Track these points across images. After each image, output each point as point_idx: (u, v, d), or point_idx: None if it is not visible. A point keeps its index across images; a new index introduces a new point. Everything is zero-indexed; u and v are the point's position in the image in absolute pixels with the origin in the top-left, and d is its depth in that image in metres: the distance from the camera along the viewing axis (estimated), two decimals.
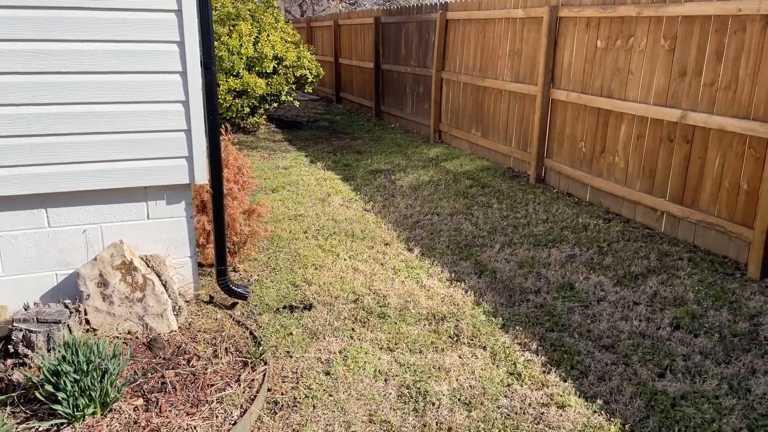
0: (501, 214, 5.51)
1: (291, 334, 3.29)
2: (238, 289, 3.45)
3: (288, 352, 3.12)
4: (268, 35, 9.14)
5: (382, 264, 4.29)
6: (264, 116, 9.53)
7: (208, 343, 3.01)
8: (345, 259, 4.34)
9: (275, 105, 9.62)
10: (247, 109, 9.04)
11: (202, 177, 3.21)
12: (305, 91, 10.03)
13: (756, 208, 4.31)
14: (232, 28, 8.80)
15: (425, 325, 3.42)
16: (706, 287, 3.99)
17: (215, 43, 8.50)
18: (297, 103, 10.12)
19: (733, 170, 4.55)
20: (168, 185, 3.19)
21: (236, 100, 8.93)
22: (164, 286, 3.13)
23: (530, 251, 4.62)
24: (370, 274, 4.09)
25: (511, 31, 7.34)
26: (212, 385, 2.65)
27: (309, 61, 9.62)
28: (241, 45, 8.71)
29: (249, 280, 3.96)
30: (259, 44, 8.96)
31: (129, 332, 3.05)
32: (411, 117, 10.41)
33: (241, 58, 8.78)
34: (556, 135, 6.62)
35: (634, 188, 5.49)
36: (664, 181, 5.18)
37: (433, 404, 2.70)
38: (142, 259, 3.15)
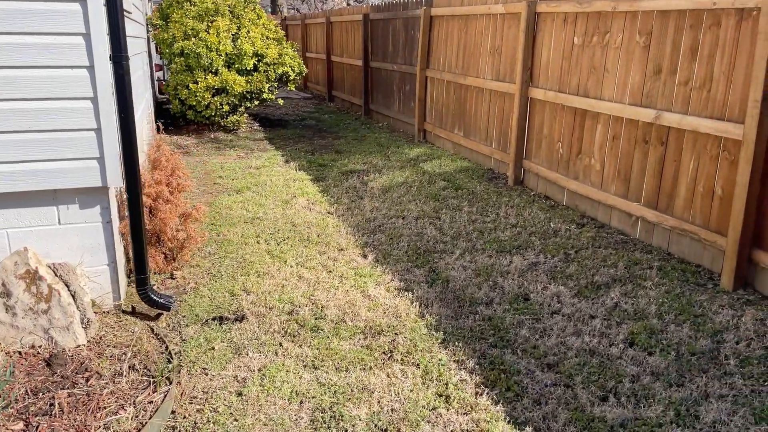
0: (469, 218, 5.27)
1: (213, 348, 3.07)
2: (161, 300, 3.24)
3: (205, 369, 2.90)
4: (248, 31, 8.93)
5: (330, 271, 4.07)
6: (245, 114, 9.32)
7: (115, 359, 2.80)
8: (292, 266, 4.12)
9: (256, 103, 9.41)
10: (226, 107, 8.84)
11: (116, 179, 3.00)
12: (288, 89, 9.82)
13: (730, 215, 4.04)
14: (210, 24, 8.60)
15: (360, 339, 3.19)
16: (671, 299, 3.73)
17: (192, 39, 8.31)
18: (281, 101, 9.91)
19: (707, 174, 4.28)
20: (79, 188, 2.98)
21: (215, 98, 8.73)
22: (73, 296, 2.92)
23: (491, 258, 4.37)
24: (314, 283, 3.87)
25: (492, 27, 7.08)
26: (105, 408, 2.44)
27: (291, 59, 9.41)
28: (219, 41, 8.51)
29: (185, 289, 3.75)
30: (239, 41, 8.75)
31: (33, 346, 2.84)
32: (398, 116, 10.17)
33: (220, 55, 8.58)
34: (534, 135, 6.36)
35: (610, 192, 5.23)
36: (639, 185, 4.91)
37: (346, 431, 2.47)
38: (49, 267, 2.95)
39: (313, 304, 3.57)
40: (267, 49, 9.06)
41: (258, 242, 4.56)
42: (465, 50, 7.76)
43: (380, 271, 4.10)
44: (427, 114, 9.06)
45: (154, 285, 3.73)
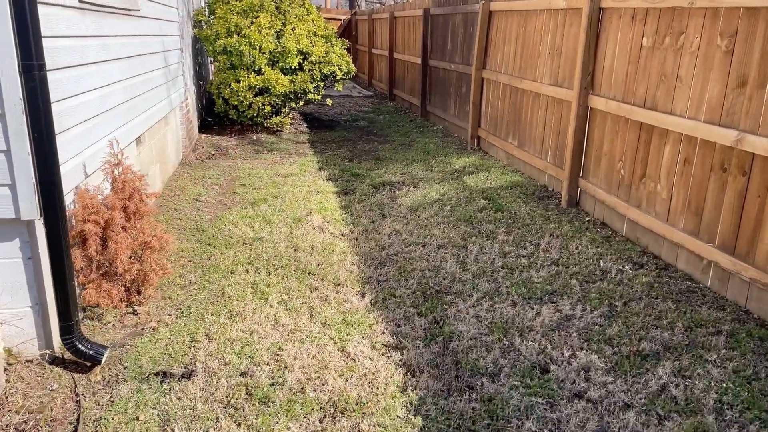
0: (501, 250, 4.50)
1: (137, 419, 2.54)
2: (90, 350, 2.75)
3: None
4: (294, 28, 8.46)
5: (313, 315, 3.45)
6: (290, 115, 8.88)
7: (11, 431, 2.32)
8: (272, 306, 3.54)
9: (301, 104, 8.95)
10: (268, 108, 8.42)
11: (31, 211, 2.52)
12: (335, 89, 9.28)
13: None
14: (254, 20, 8.20)
15: (315, 421, 2.56)
16: (740, 384, 2.84)
17: (235, 36, 7.94)
18: (330, 102, 9.40)
19: None
20: None
21: (257, 98, 8.33)
22: None
23: (515, 307, 3.61)
24: (289, 331, 3.27)
25: (553, 24, 6.20)
26: None
27: (339, 57, 8.85)
28: (262, 39, 8.08)
29: (143, 328, 3.26)
30: (283, 38, 8.30)
31: None
32: (453, 120, 9.41)
33: (263, 53, 8.16)
34: (593, 151, 5.46)
35: (677, 226, 4.30)
36: (714, 222, 3.97)
37: None
38: None
39: (276, 362, 2.97)
40: (313, 46, 8.55)
41: (247, 271, 4.01)
42: (523, 50, 6.90)
43: (374, 318, 3.45)
44: (481, 119, 8.25)
45: (110, 322, 3.26)
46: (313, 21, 8.92)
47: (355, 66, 19.33)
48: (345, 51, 9.15)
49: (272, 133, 8.92)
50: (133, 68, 4.47)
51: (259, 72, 8.30)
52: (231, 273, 3.97)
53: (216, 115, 9.28)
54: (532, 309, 3.60)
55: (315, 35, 8.80)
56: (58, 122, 2.83)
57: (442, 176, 6.65)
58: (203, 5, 9.15)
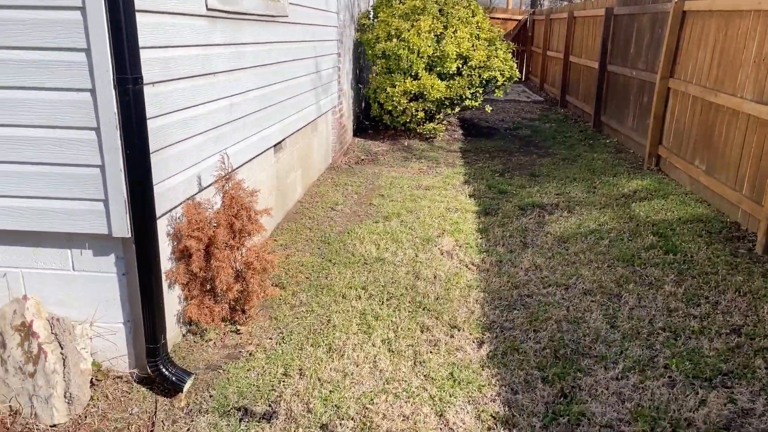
0: (666, 305, 3.67)
1: None
2: (173, 376, 2.62)
3: None
4: (455, 31, 8.04)
5: (416, 363, 3.03)
6: (444, 122, 8.50)
7: None
8: (374, 344, 3.18)
9: (456, 110, 8.51)
10: (421, 114, 8.12)
11: (122, 229, 2.43)
12: (495, 95, 8.70)
13: None
14: (415, 23, 7.93)
15: None
16: None
17: (394, 40, 7.76)
18: (489, 109, 8.84)
19: None
20: (89, 233, 2.49)
21: (411, 104, 8.07)
22: (63, 361, 2.45)
23: (672, 388, 2.85)
24: (386, 380, 2.88)
25: (761, 28, 5.04)
26: None
27: (502, 62, 8.25)
28: (420, 43, 7.79)
29: (241, 352, 3.10)
30: (443, 41, 7.93)
31: (16, 412, 2.45)
32: (629, 133, 8.32)
33: (421, 57, 7.87)
34: None
35: None
36: None
37: None
38: (48, 321, 2.52)
39: (361, 418, 2.60)
40: (474, 50, 8.06)
41: (359, 296, 3.71)
42: (720, 58, 5.75)
43: (487, 377, 2.92)
44: (663, 135, 7.13)
45: (212, 340, 3.15)
46: (477, 23, 8.43)
47: (527, 68, 18.44)
48: (509, 55, 8.52)
49: (424, 139, 8.61)
50: (273, 75, 4.40)
51: (415, 77, 8.03)
52: (343, 297, 3.69)
53: (372, 119, 9.22)
54: (696, 394, 2.81)
55: (477, 38, 8.30)
56: (167, 135, 2.74)
57: (606, 201, 5.79)
58: (369, 8, 9.12)
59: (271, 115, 4.41)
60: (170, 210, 2.86)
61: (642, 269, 4.20)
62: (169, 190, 2.79)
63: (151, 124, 2.57)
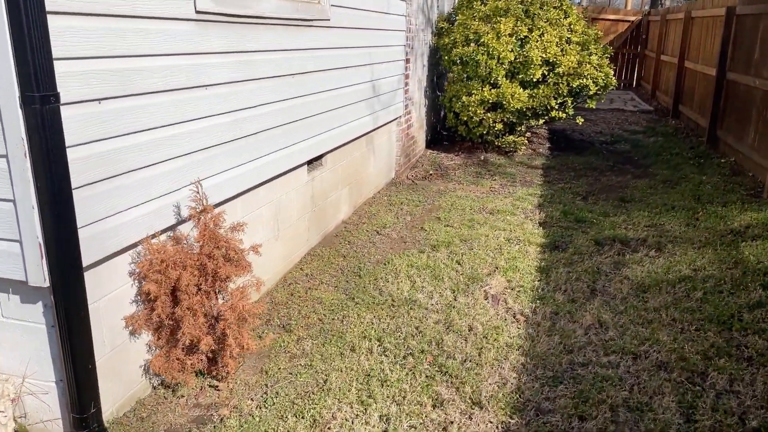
0: (766, 392, 2.77)
1: None
2: None
3: None
4: (542, 34, 7.20)
5: None
6: (526, 135, 7.67)
7: None
8: (368, 423, 2.58)
9: (541, 122, 7.65)
10: (499, 126, 7.36)
11: (38, 276, 2.02)
12: (587, 106, 7.72)
13: None
14: (495, 26, 7.20)
15: None
16: None
17: (472, 45, 7.08)
18: (580, 120, 7.89)
19: None
20: (8, 279, 2.12)
21: (488, 114, 7.34)
22: None
23: None
24: None
25: None
26: None
27: (596, 68, 7.29)
28: (501, 47, 7.05)
29: (213, 415, 2.63)
30: (527, 46, 7.12)
31: None
32: (749, 153, 7.05)
33: (501, 63, 7.12)
34: None
35: None
36: None
37: None
38: None
39: None
40: (562, 55, 7.18)
41: (370, 351, 3.12)
42: None
43: None
44: None
45: (184, 397, 2.72)
46: (569, 25, 7.52)
47: (639, 74, 16.82)
48: (606, 60, 7.52)
49: (503, 153, 7.82)
50: (303, 86, 3.93)
51: (494, 85, 7.29)
52: (352, 350, 3.13)
53: (448, 130, 8.56)
54: None
55: (568, 42, 7.39)
56: (123, 160, 2.32)
57: (708, 238, 4.77)
58: (450, 11, 8.47)
59: (301, 129, 3.95)
60: (129, 247, 2.45)
61: (741, 337, 3.27)
62: (126, 225, 2.38)
63: (98, 148, 2.17)
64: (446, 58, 7.51)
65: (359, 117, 5.13)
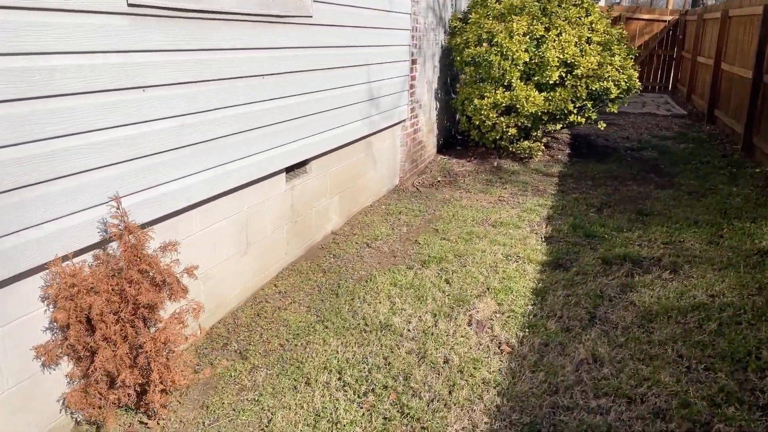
0: None
1: None
2: None
3: None
4: (560, 33, 6.76)
5: None
6: (542, 140, 7.24)
7: None
8: None
9: (558, 126, 7.20)
10: (513, 131, 6.95)
11: None
12: (608, 110, 7.23)
13: None
14: (509, 24, 6.79)
15: None
16: None
17: (484, 45, 6.70)
18: (602, 125, 7.41)
19: None
20: None
21: (501, 119, 6.94)
22: None
23: None
24: None
25: None
26: None
27: (618, 70, 6.81)
28: (515, 47, 6.64)
29: None
30: (544, 46, 6.70)
31: None
32: None
33: (516, 65, 6.72)
34: None
35: None
36: None
37: None
38: None
39: None
40: (581, 56, 6.72)
41: (327, 386, 2.79)
42: None
43: None
44: None
45: None
46: (590, 24, 7.05)
47: (675, 76, 16.04)
48: (630, 61, 7.03)
49: (518, 160, 7.39)
50: (279, 88, 3.64)
51: (508, 87, 6.88)
52: (306, 383, 2.81)
53: (462, 134, 8.17)
54: None
55: (589, 42, 6.93)
56: (22, 173, 2.06)
57: (731, 258, 4.30)
58: (465, 9, 8.08)
59: (275, 134, 3.65)
60: (40, 268, 2.18)
61: (758, 379, 2.83)
62: (36, 242, 2.11)
63: (7, 155, 1.92)
64: (458, 58, 7.14)
65: (352, 121, 4.81)
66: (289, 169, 4.04)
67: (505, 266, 4.16)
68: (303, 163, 4.27)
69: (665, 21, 16.07)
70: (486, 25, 6.86)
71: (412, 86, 6.32)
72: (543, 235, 4.84)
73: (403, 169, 6.40)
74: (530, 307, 3.58)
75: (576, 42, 6.75)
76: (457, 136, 8.43)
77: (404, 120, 6.22)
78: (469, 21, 7.18)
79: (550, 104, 6.77)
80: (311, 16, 3.93)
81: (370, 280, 3.92)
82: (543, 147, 7.33)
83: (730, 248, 4.52)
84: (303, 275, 4.01)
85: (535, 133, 7.18)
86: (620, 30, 7.39)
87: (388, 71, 5.50)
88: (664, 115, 11.83)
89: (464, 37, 7.05)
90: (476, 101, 6.95)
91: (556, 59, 6.60)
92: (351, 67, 4.65)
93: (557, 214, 5.39)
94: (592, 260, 4.27)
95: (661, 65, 16.30)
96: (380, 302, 3.60)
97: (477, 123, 7.15)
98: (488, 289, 3.80)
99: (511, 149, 7.31)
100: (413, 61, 6.26)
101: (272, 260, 3.91)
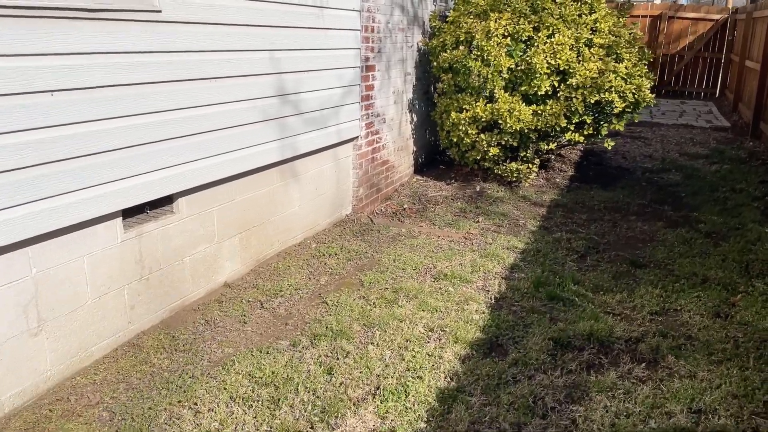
0: None
1: None
2: None
3: None
4: (552, 34, 5.60)
5: None
6: (534, 162, 6.07)
7: None
8: None
9: (552, 146, 6.02)
10: (494, 150, 5.82)
11: None
12: (612, 128, 5.99)
13: None
14: (487, 23, 5.67)
15: None
16: None
17: (460, 48, 5.63)
18: (609, 144, 6.17)
19: None
20: None
21: (482, 136, 5.83)
22: None
23: None
24: None
25: None
26: None
27: (624, 80, 5.59)
28: (494, 51, 5.52)
29: None
30: (531, 50, 5.55)
31: None
32: None
33: (499, 71, 5.60)
34: None
35: None
36: None
37: None
38: None
39: None
40: (578, 62, 5.54)
41: None
42: None
43: None
44: None
45: None
46: (594, 23, 5.84)
47: (723, 82, 14.35)
48: (643, 68, 5.79)
49: (506, 183, 6.25)
50: (104, 106, 2.70)
51: (491, 98, 5.76)
52: None
53: (444, 152, 7.07)
54: None
55: (590, 45, 5.73)
56: None
57: (739, 342, 3.10)
58: (451, 6, 6.96)
59: (100, 167, 2.72)
60: None
61: None
62: None
63: None
64: (435, 64, 6.06)
65: (254, 144, 3.83)
66: (132, 211, 3.09)
67: (420, 348, 3.09)
68: (166, 200, 3.31)
69: (713, 20, 14.44)
70: (465, 25, 5.77)
71: (368, 97, 5.29)
72: (494, 295, 3.74)
73: (357, 195, 5.38)
74: (422, 425, 2.51)
75: (573, 45, 5.57)
76: (437, 155, 7.31)
77: (355, 138, 5.20)
78: (448, 19, 6.10)
79: (539, 119, 5.60)
80: (159, 11, 2.97)
81: (226, 366, 2.92)
82: (537, 168, 6.16)
83: (741, 326, 3.32)
84: (141, 356, 3.04)
85: (524, 153, 6.02)
86: (632, 30, 6.14)
87: (322, 81, 4.49)
88: (703, 127, 10.37)
89: (441, 39, 5.97)
90: (453, 115, 5.87)
91: (545, 65, 5.44)
92: (245, 77, 3.67)
93: (525, 263, 4.26)
94: (541, 341, 3.15)
95: (708, 69, 14.69)
96: (216, 409, 2.60)
97: (455, 140, 6.06)
98: (377, 389, 2.74)
99: (496, 171, 6.17)
100: (368, 68, 5.22)
101: (97, 335, 2.97)
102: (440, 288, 3.82)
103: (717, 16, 14.46)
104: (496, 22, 5.46)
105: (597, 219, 5.32)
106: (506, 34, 5.55)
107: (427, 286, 3.83)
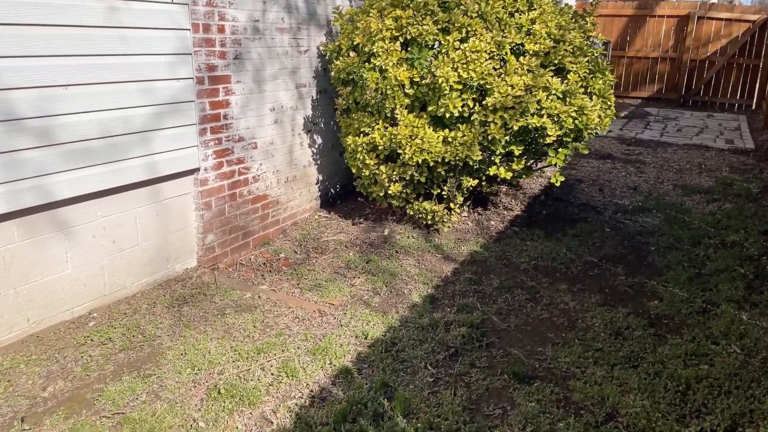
0: None
1: None
2: None
3: None
4: (466, 38, 4.23)
5: None
6: (457, 200, 4.70)
7: None
8: None
9: (473, 182, 4.63)
10: (396, 188, 4.50)
11: None
12: (549, 161, 4.55)
13: None
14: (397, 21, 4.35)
15: None
16: None
17: (351, 54, 4.36)
18: (557, 179, 4.74)
19: None
20: None
21: (382, 168, 4.52)
22: None
23: None
24: None
25: None
26: None
27: (561, 100, 4.17)
28: (388, 58, 4.21)
29: None
30: (439, 58, 4.20)
31: None
32: None
33: (401, 86, 4.28)
34: None
35: None
36: None
37: None
38: None
39: None
40: (502, 77, 4.16)
41: None
42: None
43: None
44: None
45: None
46: (530, 23, 4.42)
47: (760, 92, 12.43)
48: (602, 83, 4.35)
49: (424, 227, 4.89)
50: None
51: (394, 120, 4.45)
52: None
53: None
54: None
55: (520, 53, 4.33)
56: None
57: None
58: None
59: None
60: None
61: None
62: None
63: None
64: (332, 74, 4.78)
65: None
66: None
67: None
68: None
69: (750, 21, 12.58)
70: (362, 24, 4.47)
71: (217, 117, 4.06)
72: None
73: (205, 244, 4.15)
74: None
75: (493, 52, 4.18)
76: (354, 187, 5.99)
77: (195, 170, 3.98)
78: (345, 16, 4.80)
79: (449, 149, 4.25)
80: None
81: None
82: (459, 209, 4.78)
83: None
84: None
85: (437, 191, 4.66)
86: (591, 33, 4.69)
87: (108, 98, 3.29)
88: (720, 148, 8.69)
89: (337, 43, 4.69)
90: (350, 139, 4.59)
91: (453, 79, 4.08)
92: None
93: (364, 366, 2.95)
94: None
95: (743, 77, 12.83)
96: None
97: (355, 171, 4.77)
98: None
99: (408, 212, 4.83)
100: (215, 80, 3.99)
101: None
102: (201, 416, 2.55)
103: (755, 17, 12.59)
104: (380, 21, 4.14)
105: (513, 286, 3.93)
106: (396, 36, 4.22)
107: (181, 414, 2.57)
